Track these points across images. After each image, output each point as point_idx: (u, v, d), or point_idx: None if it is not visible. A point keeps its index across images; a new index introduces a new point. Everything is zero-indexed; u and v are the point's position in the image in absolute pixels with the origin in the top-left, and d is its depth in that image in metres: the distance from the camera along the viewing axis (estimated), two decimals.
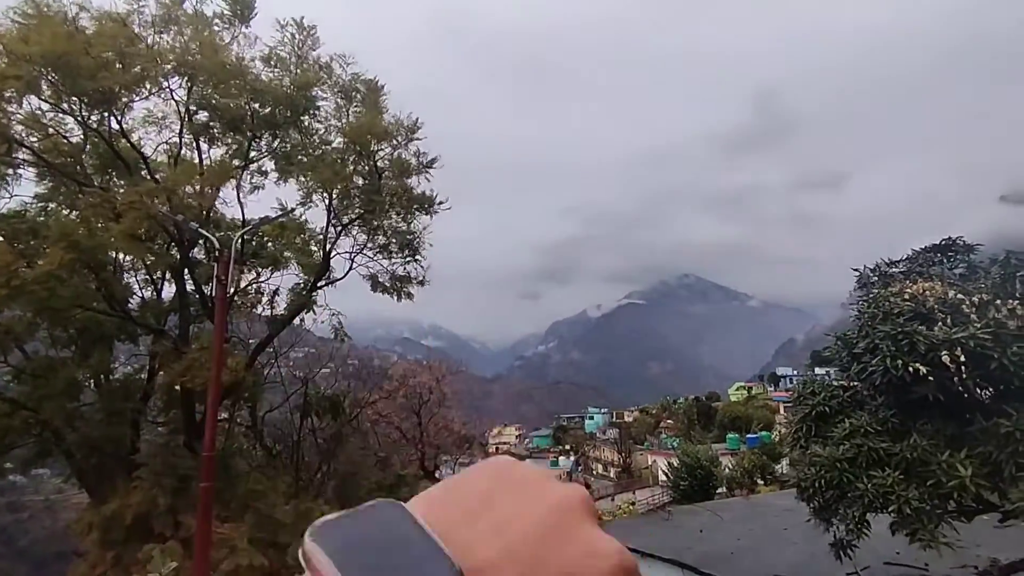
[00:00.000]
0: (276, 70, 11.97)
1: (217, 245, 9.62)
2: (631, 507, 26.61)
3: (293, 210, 12.81)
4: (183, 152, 13.08)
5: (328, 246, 14.18)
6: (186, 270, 13.84)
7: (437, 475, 32.80)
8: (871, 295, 9.93)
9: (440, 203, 14.62)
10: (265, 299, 16.72)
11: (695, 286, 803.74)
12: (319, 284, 14.94)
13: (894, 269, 10.93)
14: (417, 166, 13.18)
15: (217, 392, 10.20)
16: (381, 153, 12.94)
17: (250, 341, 17.25)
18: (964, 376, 8.18)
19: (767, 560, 12.12)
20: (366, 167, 13.13)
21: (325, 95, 12.65)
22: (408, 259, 14.68)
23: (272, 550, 12.79)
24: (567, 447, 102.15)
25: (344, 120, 12.50)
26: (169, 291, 16.13)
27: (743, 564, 12.07)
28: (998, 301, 8.56)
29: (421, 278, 15.34)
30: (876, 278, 10.70)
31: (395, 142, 12.83)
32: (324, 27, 12.93)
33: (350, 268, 15.27)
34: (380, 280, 14.83)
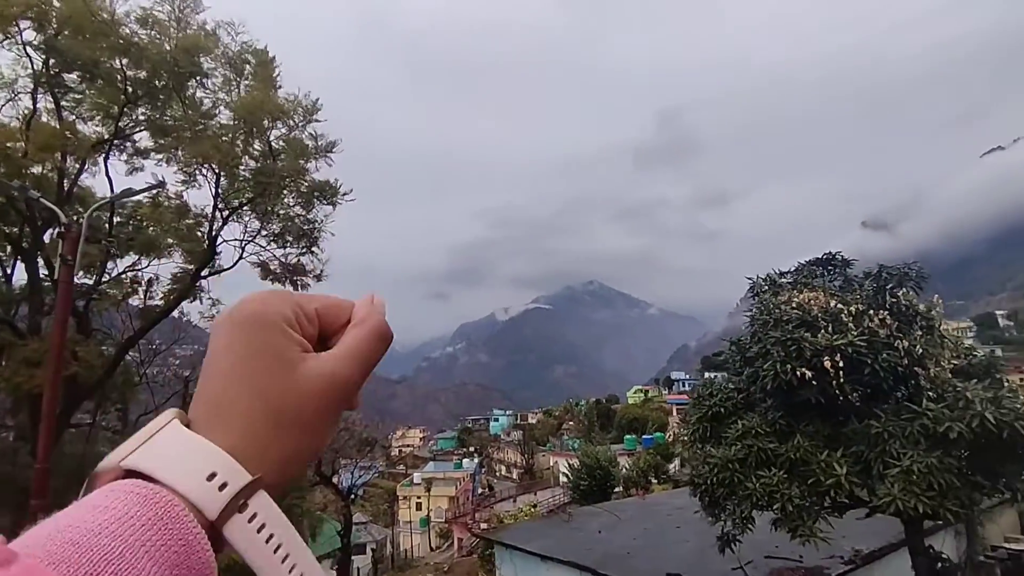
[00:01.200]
0: (153, 32, 10.61)
1: (63, 219, 8.22)
2: (533, 509, 26.71)
3: (163, 184, 11.45)
4: (40, 116, 11.30)
5: (214, 231, 12.86)
6: (39, 252, 12.02)
7: (335, 480, 31.31)
8: (763, 302, 10.42)
9: (344, 194, 13.73)
10: (142, 289, 15.00)
11: (600, 292, 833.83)
12: (203, 273, 13.54)
13: (783, 279, 11.54)
14: (316, 149, 12.23)
15: (54, 391, 8.78)
16: (276, 133, 11.94)
17: (125, 337, 15.42)
18: (842, 380, 8.74)
19: (661, 558, 12.44)
20: (258, 147, 12.04)
21: (211, 65, 11.41)
22: (304, 250, 13.64)
23: None
24: (472, 449, 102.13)
25: (233, 94, 11.35)
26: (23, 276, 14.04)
27: (639, 563, 12.31)
28: (871, 311, 9.23)
29: (319, 271, 14.35)
30: (767, 287, 11.25)
31: (291, 122, 11.84)
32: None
33: (240, 257, 14.01)
34: (271, 269, 13.63)
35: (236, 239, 13.36)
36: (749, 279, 11.74)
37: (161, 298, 14.00)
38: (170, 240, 13.86)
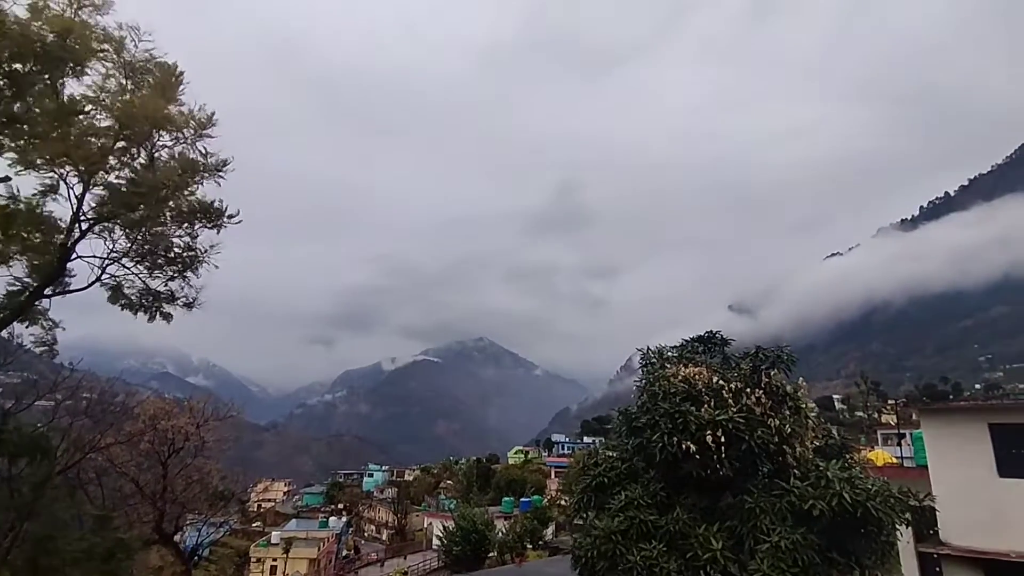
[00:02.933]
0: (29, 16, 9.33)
1: None
2: (402, 575, 25.01)
3: (7, 179, 9.84)
4: None
5: (68, 243, 11.15)
6: None
7: (178, 538, 27.50)
8: (652, 374, 10.78)
9: (230, 216, 12.65)
10: None
11: (489, 349, 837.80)
12: (46, 291, 11.61)
13: (669, 352, 12.08)
14: (205, 167, 11.20)
15: None
16: (162, 144, 10.76)
17: None
18: (722, 455, 9.12)
19: None
20: (138, 158, 10.78)
21: (104, 69, 10.18)
22: (174, 275, 12.18)
23: None
24: (341, 506, 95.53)
25: (121, 100, 10.17)
26: None
27: None
28: (748, 389, 9.84)
29: (191, 300, 12.89)
30: (655, 359, 11.70)
31: (180, 135, 10.80)
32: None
33: (99, 277, 12.26)
34: (126, 292, 11.95)
35: (96, 256, 11.72)
36: (639, 349, 12.17)
37: None
38: (14, 248, 11.88)
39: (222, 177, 11.82)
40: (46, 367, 20.48)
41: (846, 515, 8.45)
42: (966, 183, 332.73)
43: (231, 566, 59.94)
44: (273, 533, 64.77)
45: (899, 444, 29.57)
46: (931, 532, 13.46)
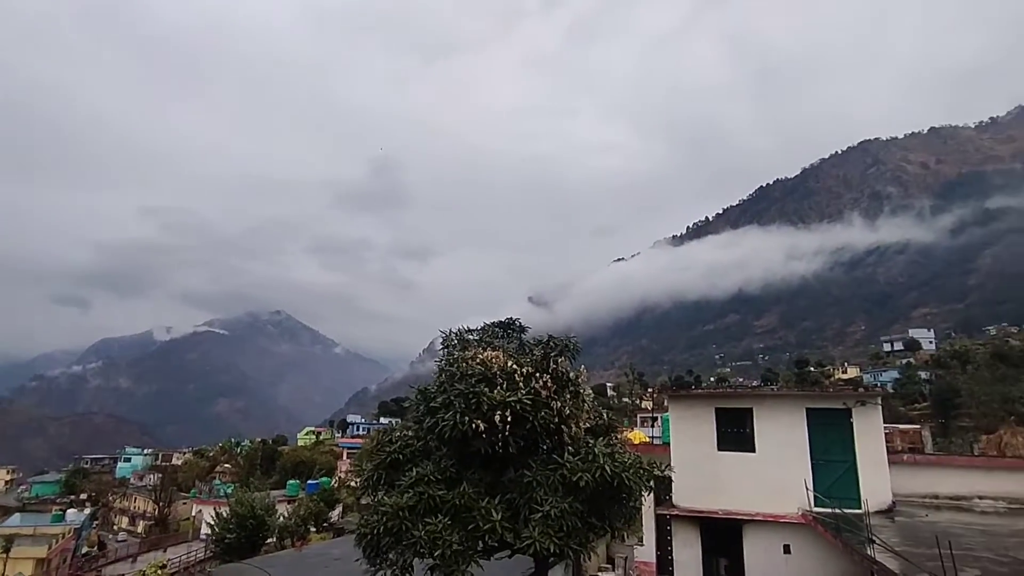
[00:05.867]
0: None
1: None
2: (159, 571, 22.39)
3: None
4: None
5: None
6: None
7: None
8: (453, 356, 11.21)
9: None
10: None
11: (285, 323, 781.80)
12: None
13: (470, 335, 12.65)
14: None
15: None
16: None
17: None
18: (508, 433, 9.87)
19: None
20: None
21: None
22: None
23: None
24: (84, 496, 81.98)
25: None
26: None
27: None
28: (538, 374, 10.76)
29: None
30: (456, 341, 12.18)
31: None
32: None
33: None
34: None
35: None
36: (442, 331, 12.55)
37: None
38: None
39: None
40: None
41: (606, 485, 9.76)
42: (720, 211, 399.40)
43: None
44: None
45: (652, 425, 34.84)
46: (667, 497, 16.16)
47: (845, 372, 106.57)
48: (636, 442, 22.97)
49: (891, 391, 70.44)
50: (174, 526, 61.77)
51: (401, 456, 10.71)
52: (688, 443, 15.36)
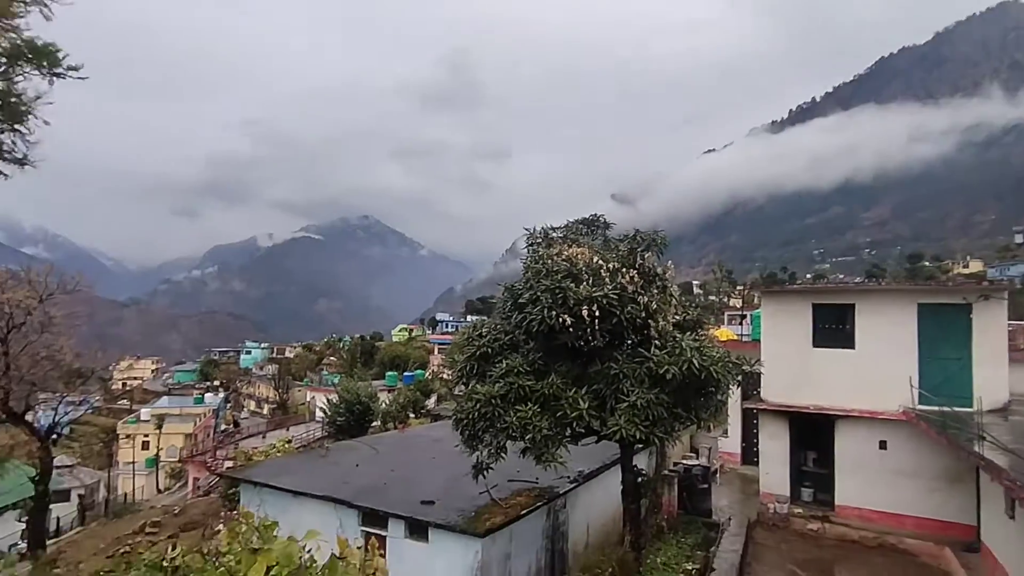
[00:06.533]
0: None
1: None
2: (286, 444, 25.58)
3: None
4: None
5: None
6: None
7: (29, 417, 25.63)
8: (538, 253, 11.22)
9: (71, 67, 10.62)
10: None
11: (373, 228, 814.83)
12: None
13: (554, 234, 12.55)
14: None
15: None
16: None
17: None
18: (595, 327, 9.97)
19: (417, 487, 13.00)
20: None
21: None
22: (2, 126, 10.21)
23: None
24: (217, 383, 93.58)
25: None
26: None
27: (395, 493, 12.68)
28: (624, 269, 10.60)
29: (23, 155, 10.99)
30: (541, 239, 12.14)
31: None
32: None
33: None
34: None
35: None
36: (527, 230, 12.51)
37: None
38: None
39: (47, 7, 9.68)
40: None
41: (693, 378, 9.76)
42: (830, 90, 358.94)
43: (97, 443, 57.65)
44: (142, 410, 62.52)
45: (740, 323, 34.04)
46: (754, 392, 16.03)
47: (966, 266, 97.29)
48: (723, 339, 22.66)
49: (1019, 286, 64.07)
50: (292, 409, 69.66)
51: (490, 349, 11.15)
52: (780, 339, 14.91)
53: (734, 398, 15.49)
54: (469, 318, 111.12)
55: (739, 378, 10.63)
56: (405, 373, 68.58)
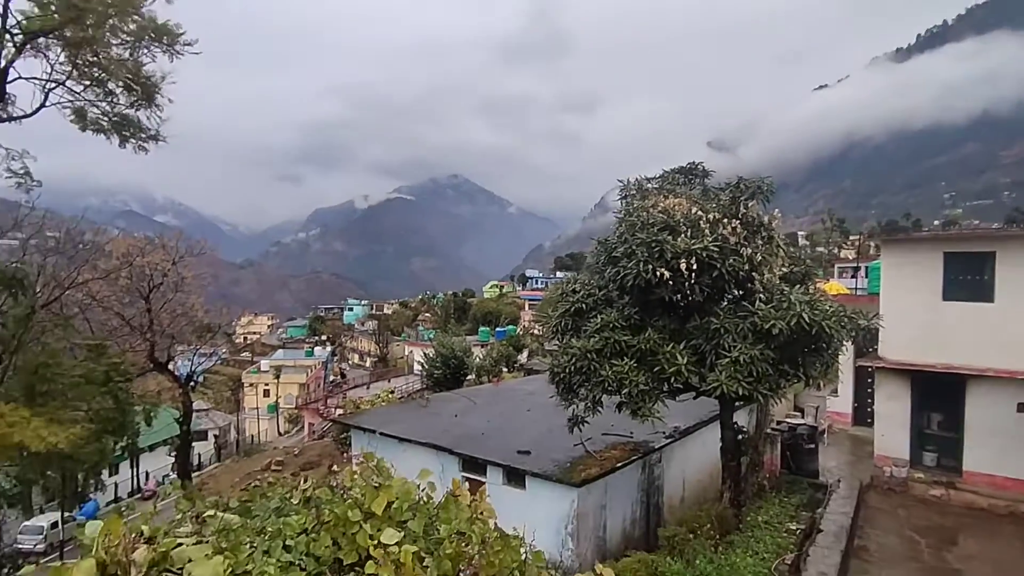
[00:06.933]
0: None
1: None
2: (389, 395, 27.24)
3: None
4: None
5: (2, 62, 9.99)
6: None
7: (171, 367, 29.05)
8: (632, 205, 10.86)
9: (188, 43, 11.43)
10: None
11: (462, 187, 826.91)
12: None
13: (649, 184, 12.06)
14: None
15: None
16: None
17: None
18: (694, 281, 9.58)
19: (513, 437, 13.43)
20: None
21: None
22: (139, 103, 11.21)
23: None
24: (324, 338, 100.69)
25: None
26: None
27: (493, 443, 13.18)
28: (725, 220, 10.03)
29: (154, 132, 12.05)
30: (635, 190, 11.71)
31: None
32: None
33: (43, 102, 11.24)
34: (93, 116, 11.10)
35: (38, 79, 10.60)
36: (619, 181, 12.11)
37: None
38: None
39: None
40: (0, 206, 19.62)
41: (802, 333, 9.19)
42: (963, 12, 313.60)
43: (226, 390, 64.54)
44: (262, 362, 68.86)
45: (854, 276, 31.49)
46: (871, 350, 14.89)
47: None
48: (833, 293, 21.13)
49: None
50: (392, 363, 73.82)
51: (584, 305, 11.06)
52: (904, 292, 13.62)
53: (847, 356, 14.47)
54: (558, 274, 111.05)
55: (854, 334, 9.89)
56: (497, 329, 70.29)
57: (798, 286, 9.88)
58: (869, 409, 16.60)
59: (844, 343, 9.87)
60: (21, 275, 14.64)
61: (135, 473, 37.87)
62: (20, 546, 23.24)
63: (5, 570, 15.82)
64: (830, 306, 9.35)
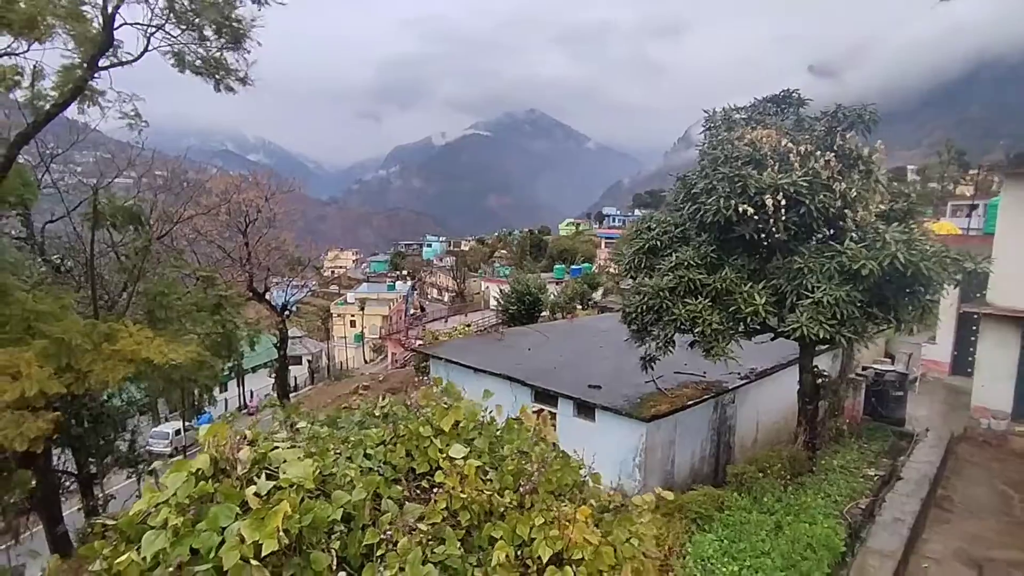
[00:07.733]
0: None
1: None
2: (466, 328, 28.25)
3: None
4: None
5: (110, 9, 10.73)
6: None
7: (268, 297, 31.45)
8: (717, 138, 10.30)
9: None
10: (26, 80, 12.81)
11: (539, 122, 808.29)
12: (100, 63, 11.59)
13: (737, 115, 11.33)
14: None
15: None
16: None
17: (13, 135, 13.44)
18: (780, 218, 9.09)
19: (585, 373, 13.69)
20: None
21: None
22: (228, 46, 11.77)
23: (68, 375, 11.32)
24: (404, 272, 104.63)
25: None
26: None
27: (565, 377, 13.52)
28: (818, 152, 9.34)
29: (243, 74, 12.63)
30: (721, 122, 11.06)
31: None
32: None
33: (146, 47, 12.01)
34: (189, 61, 11.83)
35: (140, 23, 11.34)
36: (705, 111, 11.47)
37: (53, 88, 12.05)
38: (51, 20, 11.55)
39: None
40: (114, 146, 21.22)
41: (895, 275, 8.59)
42: None
43: (316, 320, 69.26)
44: (348, 294, 72.99)
45: (969, 215, 28.54)
46: (978, 294, 13.70)
47: None
48: (941, 233, 19.36)
49: None
50: (469, 298, 75.92)
51: (659, 243, 10.83)
52: (1022, 232, 12.30)
53: (949, 301, 13.44)
54: (636, 212, 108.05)
55: (957, 277, 9.12)
56: (572, 266, 70.14)
57: (897, 224, 9.14)
58: (970, 359, 15.46)
59: (945, 287, 9.15)
60: (138, 211, 16.12)
61: (241, 392, 42.11)
62: (151, 448, 26.95)
63: (140, 466, 18.49)
64: (931, 246, 8.63)
